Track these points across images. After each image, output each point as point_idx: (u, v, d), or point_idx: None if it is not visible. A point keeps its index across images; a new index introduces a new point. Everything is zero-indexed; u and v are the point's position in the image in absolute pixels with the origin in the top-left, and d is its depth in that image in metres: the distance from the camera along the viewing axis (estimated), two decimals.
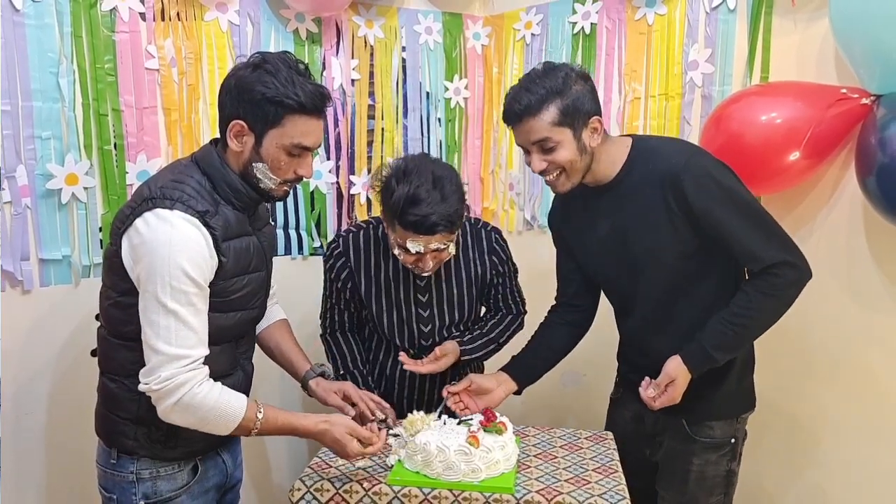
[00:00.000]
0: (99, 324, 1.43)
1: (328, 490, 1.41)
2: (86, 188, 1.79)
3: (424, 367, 1.65)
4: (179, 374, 1.24)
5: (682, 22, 2.11)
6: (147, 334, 1.24)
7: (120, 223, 1.29)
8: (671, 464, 1.66)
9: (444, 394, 1.65)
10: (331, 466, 1.49)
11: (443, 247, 1.58)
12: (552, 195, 2.02)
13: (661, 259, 1.55)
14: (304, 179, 1.41)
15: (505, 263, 1.81)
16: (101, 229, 1.84)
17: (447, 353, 1.67)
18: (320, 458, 1.54)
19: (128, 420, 1.36)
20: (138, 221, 1.25)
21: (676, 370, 1.51)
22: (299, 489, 1.42)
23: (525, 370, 1.76)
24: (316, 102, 1.32)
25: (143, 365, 1.28)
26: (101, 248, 1.84)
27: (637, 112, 2.23)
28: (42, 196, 1.73)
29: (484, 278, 1.78)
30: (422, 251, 1.55)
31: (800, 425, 2.00)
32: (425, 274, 1.65)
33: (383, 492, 1.39)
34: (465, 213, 1.64)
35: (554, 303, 1.83)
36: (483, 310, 1.89)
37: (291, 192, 2.12)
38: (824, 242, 1.87)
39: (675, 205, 1.49)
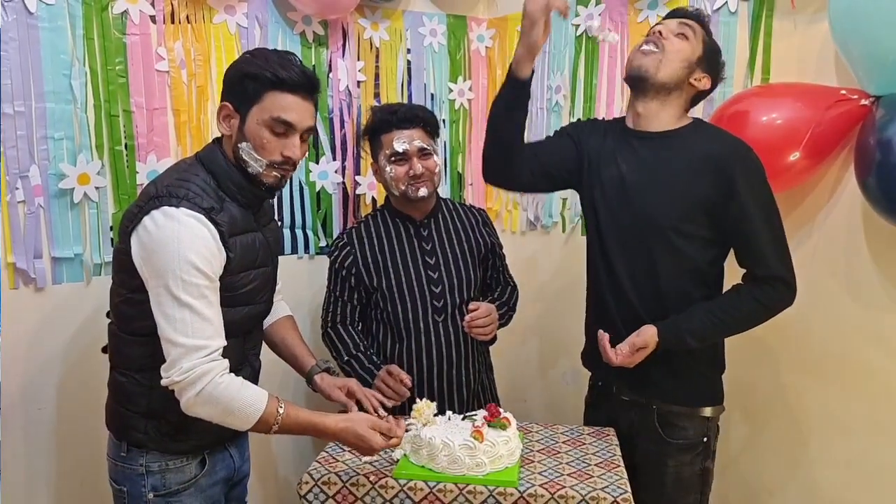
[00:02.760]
0: (109, 320, 1.47)
1: (335, 483, 1.44)
2: (97, 188, 1.82)
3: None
4: (200, 365, 1.26)
5: None
6: (164, 328, 1.27)
7: (128, 222, 1.32)
8: (647, 467, 1.68)
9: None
10: (337, 461, 1.51)
11: (427, 148, 1.81)
12: (556, 194, 2.03)
13: (662, 222, 1.57)
14: (294, 161, 1.40)
15: (496, 237, 2.01)
16: (112, 228, 1.87)
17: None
18: (327, 452, 1.56)
19: (138, 414, 1.39)
20: (146, 220, 1.28)
21: (651, 340, 1.54)
22: (307, 482, 1.45)
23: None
24: (297, 79, 1.35)
25: (153, 360, 1.30)
26: (112, 246, 1.87)
27: None
28: (55, 195, 1.76)
29: (479, 247, 1.95)
30: (408, 148, 1.78)
31: (799, 422, 2.02)
32: (421, 193, 1.80)
33: (389, 485, 1.42)
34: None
35: None
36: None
37: (298, 192, 2.20)
38: (824, 242, 1.89)
39: (714, 185, 1.53)
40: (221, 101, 1.39)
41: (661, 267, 1.59)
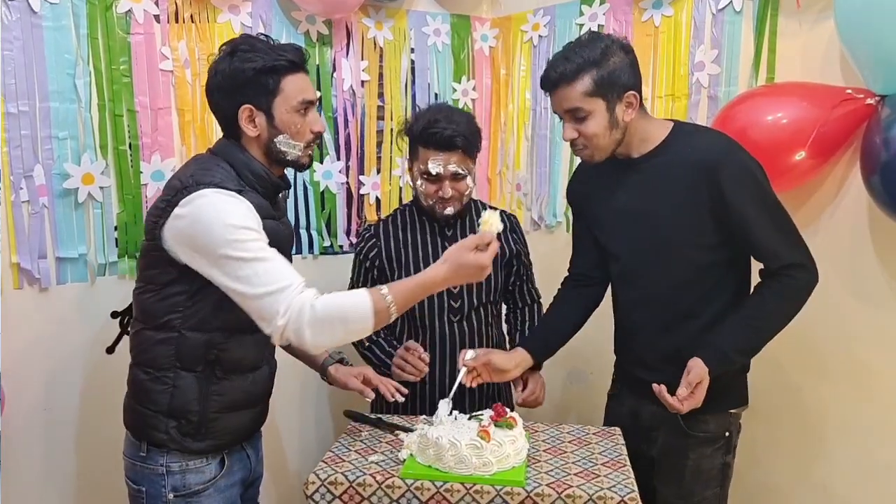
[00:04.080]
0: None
1: (342, 483, 1.43)
2: (101, 188, 1.82)
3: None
4: (293, 298, 1.25)
5: (689, 23, 2.13)
6: (242, 291, 1.26)
7: (156, 217, 1.32)
8: (667, 459, 1.68)
9: (461, 365, 1.65)
10: (344, 460, 1.51)
11: (461, 172, 1.76)
12: (560, 194, 2.07)
13: (675, 244, 1.57)
14: (322, 133, 1.46)
15: (524, 245, 1.98)
16: (116, 228, 1.87)
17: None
18: (333, 452, 1.56)
19: (158, 413, 1.38)
20: (178, 209, 1.28)
21: (704, 373, 1.50)
22: (313, 482, 1.44)
23: (541, 345, 1.80)
24: (300, 56, 1.39)
25: (178, 358, 1.33)
26: (117, 246, 1.87)
27: None
28: (59, 195, 1.76)
29: (504, 252, 1.90)
30: (441, 172, 1.74)
31: (805, 422, 2.02)
32: (447, 213, 1.79)
33: (396, 485, 1.41)
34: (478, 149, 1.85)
35: (567, 275, 1.88)
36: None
37: (302, 192, 2.20)
38: (829, 240, 1.88)
39: (706, 194, 1.51)
40: (236, 106, 1.36)
41: (688, 279, 1.58)
